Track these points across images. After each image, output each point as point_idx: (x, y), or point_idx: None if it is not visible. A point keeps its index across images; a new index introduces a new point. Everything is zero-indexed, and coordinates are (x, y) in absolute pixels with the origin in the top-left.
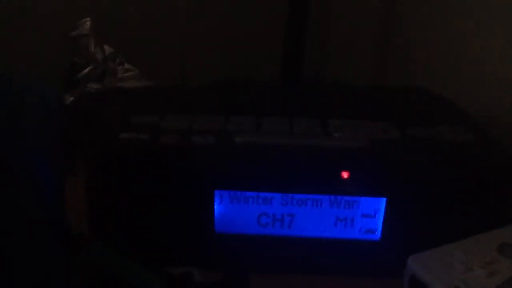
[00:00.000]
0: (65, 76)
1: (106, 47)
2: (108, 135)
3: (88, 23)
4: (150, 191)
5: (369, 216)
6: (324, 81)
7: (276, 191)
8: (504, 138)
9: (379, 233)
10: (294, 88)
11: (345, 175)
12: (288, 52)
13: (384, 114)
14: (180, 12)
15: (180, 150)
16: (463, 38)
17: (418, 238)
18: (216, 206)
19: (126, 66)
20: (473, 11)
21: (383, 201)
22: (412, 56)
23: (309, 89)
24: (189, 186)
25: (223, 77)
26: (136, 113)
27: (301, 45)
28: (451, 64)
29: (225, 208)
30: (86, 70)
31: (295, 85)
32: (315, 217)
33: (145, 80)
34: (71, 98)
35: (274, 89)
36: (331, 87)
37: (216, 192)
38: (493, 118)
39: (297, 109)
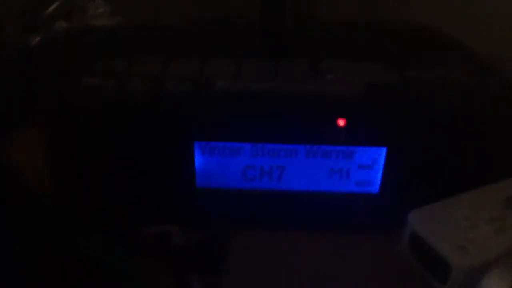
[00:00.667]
0: (26, 14)
1: None
2: (69, 82)
3: None
4: (120, 145)
5: (366, 168)
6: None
7: (263, 142)
8: None
9: (377, 186)
10: (279, 26)
11: (341, 122)
12: None
13: (381, 54)
14: None
15: (152, 98)
16: None
17: (419, 191)
18: (196, 159)
19: (97, 1)
20: None
21: (382, 151)
22: None
23: (294, 27)
24: (165, 138)
25: (200, 14)
26: (104, 57)
27: None
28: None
29: (207, 161)
30: (52, 7)
31: (279, 23)
32: (307, 169)
33: (118, 17)
34: (36, 39)
35: (256, 28)
36: (318, 25)
37: (196, 144)
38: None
39: (283, 50)
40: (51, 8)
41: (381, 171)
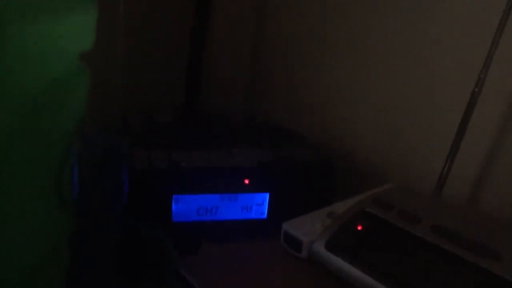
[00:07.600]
0: None
1: None
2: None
3: None
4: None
5: (260, 205)
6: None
7: (207, 193)
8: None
9: (265, 214)
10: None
11: (246, 181)
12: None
13: (261, 142)
14: None
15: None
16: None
17: (288, 214)
18: (173, 204)
19: None
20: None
21: (267, 195)
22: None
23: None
24: (159, 191)
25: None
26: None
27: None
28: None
29: (179, 206)
30: None
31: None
32: (230, 207)
33: None
34: None
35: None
36: (223, 121)
37: (174, 196)
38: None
39: (206, 141)
40: None
41: (267, 206)
